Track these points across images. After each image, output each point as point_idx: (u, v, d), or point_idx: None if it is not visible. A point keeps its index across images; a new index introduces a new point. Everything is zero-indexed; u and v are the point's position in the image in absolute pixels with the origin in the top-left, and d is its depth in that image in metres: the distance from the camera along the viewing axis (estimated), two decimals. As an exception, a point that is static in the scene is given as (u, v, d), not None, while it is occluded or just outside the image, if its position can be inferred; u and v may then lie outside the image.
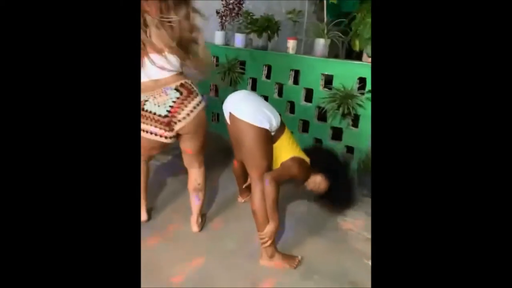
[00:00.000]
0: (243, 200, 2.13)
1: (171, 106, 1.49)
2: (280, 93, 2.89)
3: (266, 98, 2.95)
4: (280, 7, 3.74)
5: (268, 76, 2.91)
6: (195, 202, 1.79)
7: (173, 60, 1.50)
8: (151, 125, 1.49)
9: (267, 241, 1.53)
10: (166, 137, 1.53)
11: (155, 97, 1.48)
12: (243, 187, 2.09)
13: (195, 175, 1.76)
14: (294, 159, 1.66)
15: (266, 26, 2.83)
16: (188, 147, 1.65)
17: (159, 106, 1.48)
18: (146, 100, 1.48)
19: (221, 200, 2.16)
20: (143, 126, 1.49)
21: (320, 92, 2.59)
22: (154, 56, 1.45)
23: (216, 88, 3.26)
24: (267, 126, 1.54)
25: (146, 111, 1.48)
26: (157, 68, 1.46)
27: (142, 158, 1.63)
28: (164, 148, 1.67)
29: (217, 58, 3.12)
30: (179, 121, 1.52)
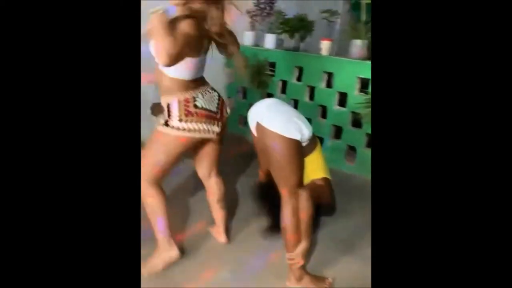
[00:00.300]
0: None
1: (218, 104, 1.48)
2: (311, 97, 2.75)
3: (296, 102, 2.83)
4: (312, 7, 3.58)
5: (299, 79, 2.78)
6: (220, 212, 1.70)
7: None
8: (203, 122, 1.40)
9: (297, 262, 1.40)
10: (214, 132, 1.45)
11: (203, 95, 1.43)
12: None
13: (217, 184, 1.68)
14: (326, 180, 1.53)
15: (299, 26, 2.69)
16: (214, 149, 1.60)
17: (209, 102, 1.44)
18: (196, 97, 1.40)
19: (244, 212, 2.04)
20: (191, 125, 1.37)
21: (355, 96, 2.43)
22: (202, 57, 1.41)
23: (244, 90, 3.16)
24: (298, 137, 1.39)
25: (201, 108, 1.40)
26: (199, 69, 1.42)
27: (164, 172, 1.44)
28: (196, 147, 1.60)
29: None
30: (222, 119, 1.51)
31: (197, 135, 1.40)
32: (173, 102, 1.37)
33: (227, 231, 1.75)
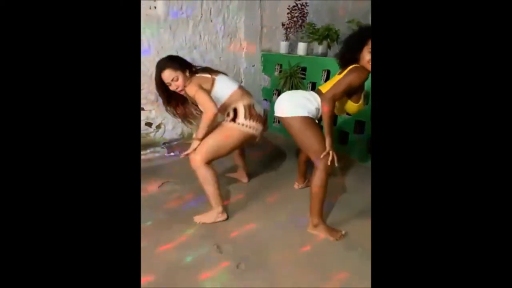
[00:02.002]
0: (299, 187, 2.33)
1: (263, 112, 2.05)
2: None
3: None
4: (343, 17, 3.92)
5: (327, 80, 3.12)
6: (242, 161, 2.39)
7: None
8: (257, 122, 1.92)
9: (331, 155, 1.65)
10: (259, 131, 1.96)
11: (255, 104, 1.98)
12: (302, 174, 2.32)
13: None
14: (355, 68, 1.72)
15: (326, 35, 3.06)
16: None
17: (259, 109, 1.99)
18: (253, 104, 1.95)
19: (280, 188, 2.37)
20: (252, 123, 1.89)
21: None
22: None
23: (279, 92, 3.56)
24: (305, 114, 1.72)
25: (257, 113, 1.94)
26: (228, 82, 2.03)
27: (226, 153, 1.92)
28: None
29: (281, 65, 3.43)
30: (265, 123, 2.05)
31: (251, 131, 1.90)
32: (240, 107, 1.90)
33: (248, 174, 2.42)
